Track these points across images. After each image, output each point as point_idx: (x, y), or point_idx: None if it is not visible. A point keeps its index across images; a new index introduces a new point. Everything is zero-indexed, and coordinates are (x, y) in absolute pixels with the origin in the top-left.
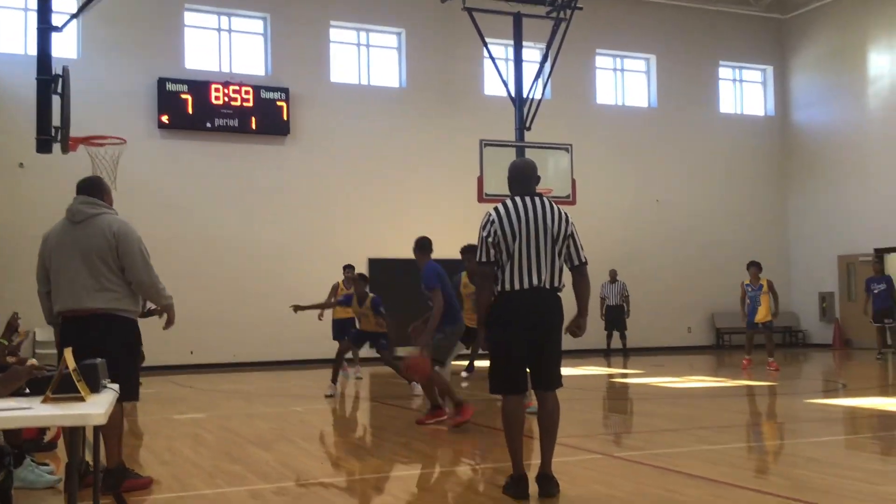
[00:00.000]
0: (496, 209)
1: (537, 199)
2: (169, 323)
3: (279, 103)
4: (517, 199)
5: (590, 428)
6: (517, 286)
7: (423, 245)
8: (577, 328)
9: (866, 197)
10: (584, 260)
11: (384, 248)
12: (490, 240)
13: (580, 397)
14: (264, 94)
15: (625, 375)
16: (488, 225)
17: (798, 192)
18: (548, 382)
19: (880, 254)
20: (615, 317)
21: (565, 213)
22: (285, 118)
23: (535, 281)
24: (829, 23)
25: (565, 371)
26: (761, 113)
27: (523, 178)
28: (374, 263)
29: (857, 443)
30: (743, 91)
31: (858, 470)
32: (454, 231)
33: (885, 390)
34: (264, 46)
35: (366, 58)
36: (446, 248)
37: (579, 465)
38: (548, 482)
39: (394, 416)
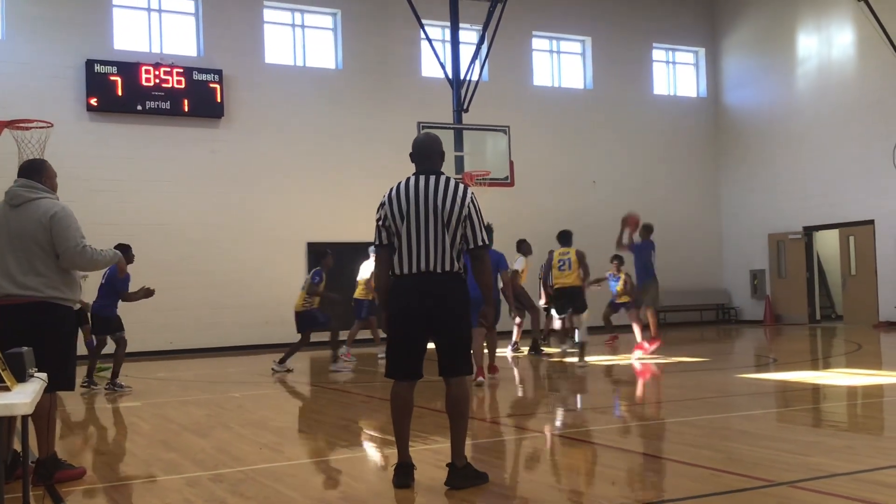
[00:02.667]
0: (390, 190)
1: (431, 178)
2: (144, 294)
3: (212, 85)
4: (411, 178)
5: (524, 406)
6: (405, 270)
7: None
8: (482, 317)
9: (795, 176)
10: (480, 243)
11: (323, 231)
12: (381, 223)
13: (514, 376)
14: (197, 76)
15: (563, 354)
16: (380, 207)
17: (730, 172)
18: (449, 369)
19: (809, 231)
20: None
21: (463, 193)
22: (219, 100)
23: (422, 265)
24: (759, 5)
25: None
26: (694, 94)
27: (422, 154)
28: (313, 247)
29: (787, 415)
30: (676, 72)
31: (788, 442)
32: None
33: (814, 364)
34: (196, 27)
35: (301, 39)
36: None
37: (514, 443)
38: (454, 474)
39: (333, 399)
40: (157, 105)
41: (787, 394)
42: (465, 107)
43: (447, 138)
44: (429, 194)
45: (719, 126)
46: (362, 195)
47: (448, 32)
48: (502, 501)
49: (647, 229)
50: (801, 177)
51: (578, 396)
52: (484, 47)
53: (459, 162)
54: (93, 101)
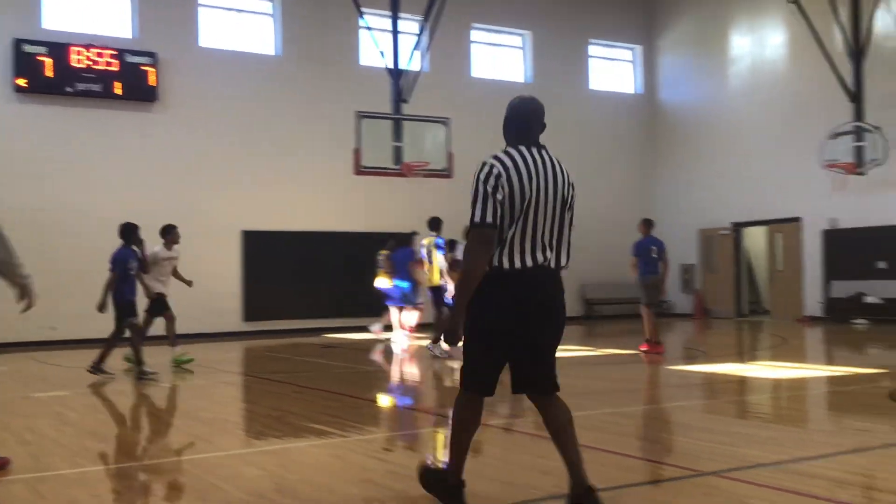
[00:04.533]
0: (499, 159)
1: (545, 152)
2: (28, 305)
3: (145, 68)
4: (523, 149)
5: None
6: (518, 263)
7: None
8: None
9: (726, 173)
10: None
11: (258, 220)
12: (499, 196)
13: (448, 366)
14: (130, 58)
15: None
16: (492, 177)
17: (664, 168)
18: (545, 386)
19: (738, 227)
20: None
21: (569, 175)
22: (152, 83)
23: (540, 257)
24: (694, 5)
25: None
26: (630, 91)
27: (528, 122)
28: (248, 235)
29: (715, 407)
30: (613, 69)
31: (715, 432)
32: (330, 203)
33: (741, 357)
34: (130, 8)
35: (238, 23)
36: (321, 220)
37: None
38: (592, 497)
39: (267, 390)
40: (89, 87)
41: (714, 385)
42: (404, 97)
43: (386, 129)
44: (548, 171)
45: (654, 123)
46: (299, 184)
47: (388, 22)
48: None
49: (647, 224)
50: (732, 174)
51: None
52: (424, 38)
53: (398, 153)
54: (21, 82)
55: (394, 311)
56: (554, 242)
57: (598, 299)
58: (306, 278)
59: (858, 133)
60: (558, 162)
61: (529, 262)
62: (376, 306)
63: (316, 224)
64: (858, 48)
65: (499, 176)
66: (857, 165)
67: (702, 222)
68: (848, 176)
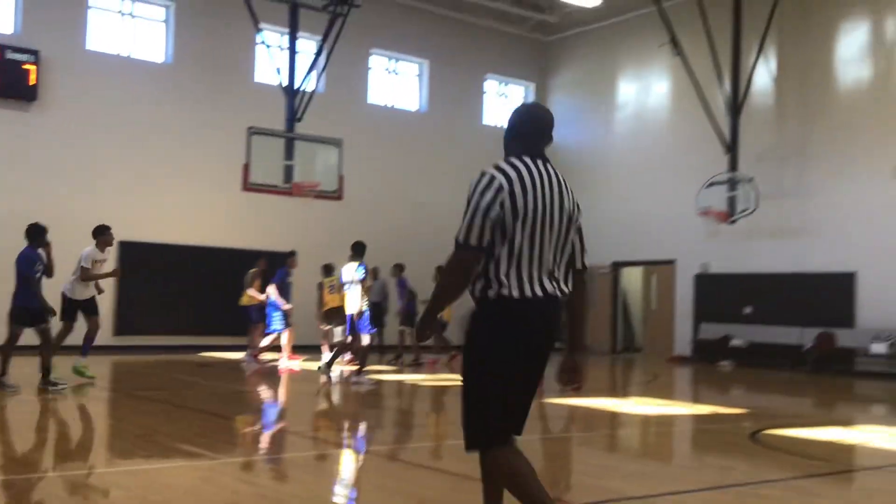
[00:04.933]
0: (501, 170)
1: (549, 166)
2: None
3: (26, 66)
4: (528, 161)
5: (338, 423)
6: (527, 292)
7: None
8: (574, 373)
9: (608, 214)
10: (585, 265)
11: (139, 231)
12: (492, 213)
13: (343, 392)
14: (10, 55)
15: (379, 372)
16: (491, 190)
17: None
18: (521, 427)
19: (616, 267)
20: (377, 314)
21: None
22: (33, 83)
23: (547, 286)
24: (585, 48)
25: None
26: None
27: (539, 131)
28: (126, 247)
29: (587, 440)
30: (507, 105)
31: (586, 465)
32: (216, 217)
33: (613, 392)
34: (14, 2)
35: (129, 28)
36: (206, 235)
37: (328, 460)
38: None
39: (136, 407)
40: None
41: (587, 419)
42: (298, 116)
43: (277, 147)
44: (553, 188)
45: None
46: (184, 196)
47: (286, 39)
48: None
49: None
50: (614, 214)
51: (390, 413)
52: (322, 58)
53: (289, 171)
54: None
55: (285, 333)
56: (560, 268)
57: None
58: (185, 294)
59: (732, 183)
60: (563, 178)
61: (539, 292)
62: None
63: (199, 238)
64: (736, 102)
65: (500, 189)
66: (730, 214)
67: None
68: (720, 223)
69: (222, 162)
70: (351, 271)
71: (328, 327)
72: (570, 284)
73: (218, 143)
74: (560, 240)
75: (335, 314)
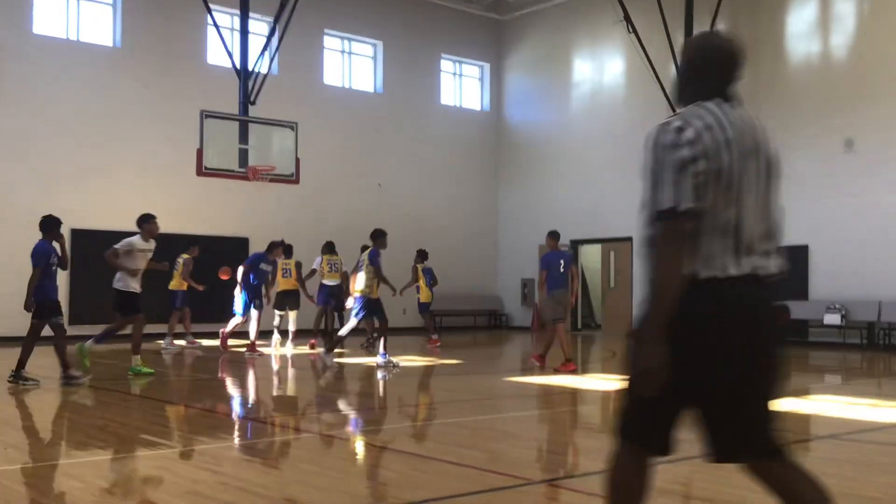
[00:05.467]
0: (688, 118)
1: (743, 111)
2: None
3: None
4: (714, 106)
5: (300, 406)
6: (733, 270)
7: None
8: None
9: (566, 192)
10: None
11: (91, 218)
12: (699, 167)
13: (300, 377)
14: None
15: (340, 355)
16: (685, 144)
17: (508, 185)
18: (766, 441)
19: (575, 245)
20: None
21: None
22: None
23: (760, 262)
24: (540, 27)
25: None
26: (478, 107)
27: (727, 65)
28: (78, 234)
29: (549, 417)
30: (462, 85)
31: (547, 442)
32: (170, 203)
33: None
34: None
35: (76, 11)
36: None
37: (291, 445)
38: None
39: (93, 398)
40: None
41: (549, 397)
42: (252, 99)
43: (231, 130)
44: (754, 137)
45: (500, 140)
46: (137, 182)
47: (237, 20)
48: (267, 502)
49: (554, 237)
50: (571, 192)
51: (351, 397)
52: (274, 40)
53: (244, 155)
54: None
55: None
56: (769, 236)
57: (442, 311)
58: (143, 280)
59: None
60: (762, 124)
61: (746, 269)
62: (220, 311)
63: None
64: None
65: (693, 141)
66: None
67: (542, 238)
68: None
69: (175, 147)
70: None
71: (283, 312)
72: (778, 260)
73: (170, 127)
74: (765, 199)
75: (288, 298)
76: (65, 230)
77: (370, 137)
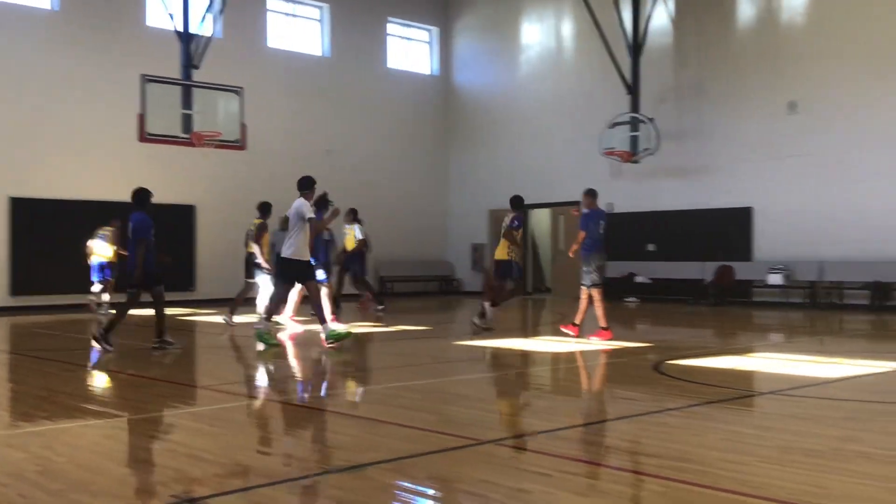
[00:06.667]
0: None
1: None
2: None
3: None
4: None
5: (250, 374)
6: None
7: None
8: None
9: (515, 156)
10: None
11: (30, 186)
12: None
13: (238, 344)
14: None
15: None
16: None
17: (457, 149)
18: None
19: (525, 209)
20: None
21: None
22: None
23: None
24: None
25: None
26: (427, 71)
27: None
28: (17, 203)
29: (498, 380)
30: (411, 49)
31: (496, 403)
32: (111, 171)
33: (524, 332)
34: None
35: None
36: (102, 189)
37: (237, 410)
38: None
39: (35, 368)
40: None
41: (498, 359)
42: (195, 63)
43: (174, 95)
44: None
45: (449, 104)
46: (76, 150)
47: None
48: (217, 469)
49: (592, 196)
50: (521, 157)
51: (298, 363)
52: (217, 2)
53: (188, 121)
54: None
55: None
56: None
57: (393, 277)
58: (81, 251)
59: (634, 124)
60: None
61: None
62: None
63: (94, 193)
64: (637, 43)
65: None
66: (632, 154)
67: (492, 203)
68: (624, 163)
69: (116, 112)
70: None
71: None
72: None
73: (111, 92)
74: None
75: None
76: (2, 199)
77: (317, 102)
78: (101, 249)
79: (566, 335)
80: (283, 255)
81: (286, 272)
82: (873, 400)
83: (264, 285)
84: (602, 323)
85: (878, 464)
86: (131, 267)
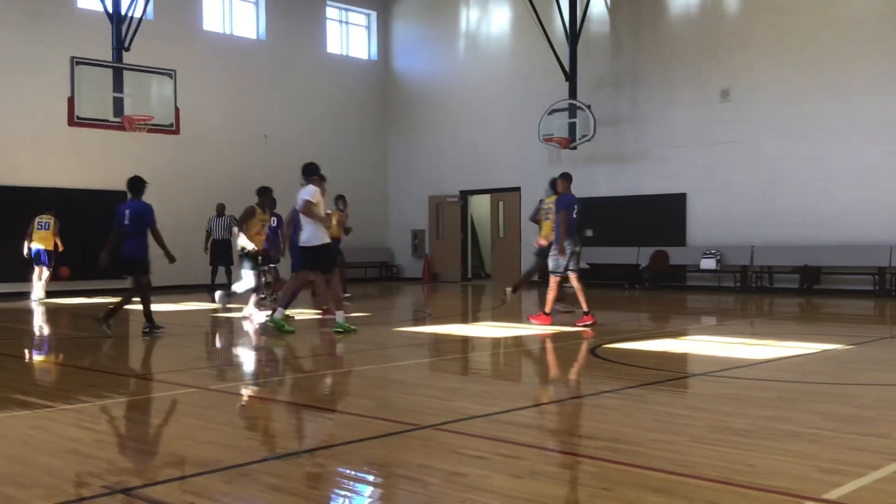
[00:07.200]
0: None
1: None
2: None
3: None
4: None
5: (187, 363)
6: None
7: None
8: None
9: (455, 142)
10: None
11: None
12: None
13: (181, 332)
14: None
15: (229, 311)
16: None
17: (397, 135)
18: None
19: (465, 195)
20: (221, 251)
21: None
22: None
23: None
24: None
25: (166, 307)
26: (365, 56)
27: None
28: None
29: (437, 365)
30: (349, 33)
31: (435, 388)
32: (39, 155)
33: (464, 318)
34: None
35: None
36: (30, 175)
37: (170, 400)
38: None
39: None
40: None
41: (438, 345)
42: (126, 45)
43: (105, 78)
44: None
45: (389, 90)
46: (4, 133)
47: None
48: (150, 458)
49: (567, 179)
50: (460, 143)
51: (238, 351)
52: None
53: (119, 104)
54: None
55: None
56: None
57: (352, 262)
58: (7, 237)
59: (572, 110)
60: None
61: None
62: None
63: (21, 178)
64: (574, 32)
65: None
66: (570, 140)
67: (431, 189)
68: (562, 150)
69: (44, 95)
70: (551, 204)
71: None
72: None
73: (38, 75)
74: None
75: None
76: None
77: (254, 86)
78: (40, 238)
79: (586, 329)
80: (300, 244)
81: (310, 261)
82: (802, 381)
83: (246, 275)
84: (547, 308)
85: (806, 442)
86: (138, 254)
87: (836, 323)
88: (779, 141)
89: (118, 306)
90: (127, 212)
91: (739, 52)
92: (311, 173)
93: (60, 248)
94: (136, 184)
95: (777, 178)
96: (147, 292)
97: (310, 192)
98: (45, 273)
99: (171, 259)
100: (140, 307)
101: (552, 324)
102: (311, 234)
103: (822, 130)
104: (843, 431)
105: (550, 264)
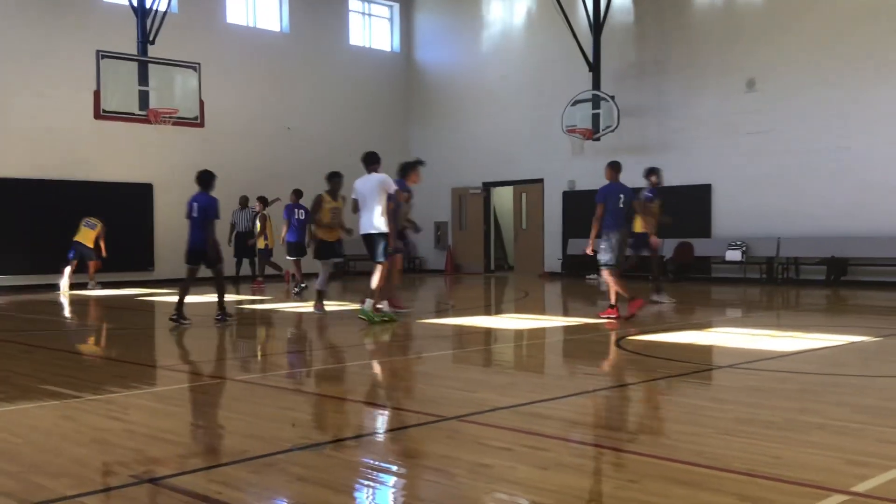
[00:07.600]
0: None
1: None
2: None
3: None
4: None
5: (212, 353)
6: None
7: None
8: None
9: (477, 134)
10: None
11: None
12: None
13: (203, 324)
14: None
15: (253, 302)
16: None
17: (419, 127)
18: None
19: (487, 187)
20: (245, 244)
21: None
22: None
23: None
24: None
25: (190, 299)
26: (388, 48)
27: None
28: None
29: (461, 356)
30: (371, 25)
31: (458, 380)
32: (66, 147)
33: (487, 310)
34: None
35: None
36: (56, 168)
37: (199, 390)
38: None
39: None
40: None
41: (461, 337)
42: (151, 38)
43: (131, 71)
44: None
45: (411, 82)
46: (29, 128)
47: None
48: (178, 448)
49: (614, 168)
50: (483, 135)
51: (265, 342)
52: None
53: (144, 97)
54: None
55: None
56: None
57: (355, 255)
58: (35, 230)
59: (595, 101)
60: None
61: None
62: (123, 260)
63: (47, 171)
64: (598, 21)
65: None
66: (594, 131)
67: (454, 181)
68: (585, 141)
69: (71, 89)
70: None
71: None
72: None
73: (65, 68)
74: None
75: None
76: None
77: (277, 79)
78: (83, 235)
79: (609, 321)
80: (362, 231)
81: (369, 247)
82: (828, 372)
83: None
84: (612, 300)
85: (833, 434)
86: (202, 245)
87: (864, 315)
88: (805, 131)
89: (220, 299)
90: (195, 204)
91: (766, 41)
92: (375, 161)
93: (103, 254)
94: (206, 177)
95: (804, 169)
96: (223, 281)
97: (391, 182)
98: (68, 269)
99: (215, 258)
100: (211, 297)
101: (623, 316)
102: (379, 220)
103: (850, 120)
104: (871, 424)
105: (604, 257)
